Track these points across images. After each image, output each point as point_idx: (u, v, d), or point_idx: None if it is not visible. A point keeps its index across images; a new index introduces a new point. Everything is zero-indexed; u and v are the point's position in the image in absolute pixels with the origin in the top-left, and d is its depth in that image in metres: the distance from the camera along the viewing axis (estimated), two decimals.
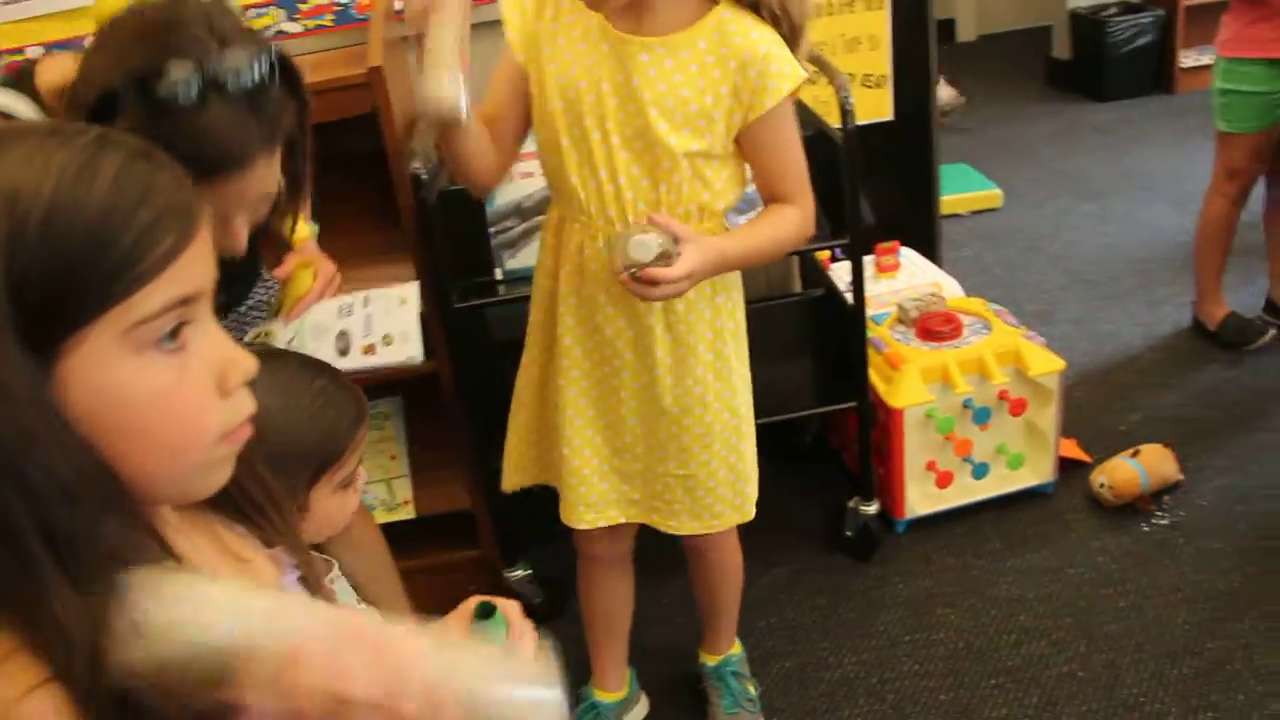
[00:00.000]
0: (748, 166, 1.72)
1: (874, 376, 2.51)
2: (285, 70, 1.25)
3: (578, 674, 2.16)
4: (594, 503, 1.84)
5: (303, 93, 1.30)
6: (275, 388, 1.16)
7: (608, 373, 1.77)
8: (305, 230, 1.54)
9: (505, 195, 2.23)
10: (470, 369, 2.28)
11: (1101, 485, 2.62)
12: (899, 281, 2.89)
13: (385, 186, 2.18)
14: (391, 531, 2.02)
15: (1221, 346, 3.24)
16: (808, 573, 2.56)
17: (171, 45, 1.18)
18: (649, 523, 1.90)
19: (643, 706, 2.25)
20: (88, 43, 1.28)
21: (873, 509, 2.54)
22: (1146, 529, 2.57)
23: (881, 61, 2.92)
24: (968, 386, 2.51)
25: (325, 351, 1.75)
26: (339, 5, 2.53)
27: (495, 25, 1.71)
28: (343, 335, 1.82)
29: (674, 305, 1.70)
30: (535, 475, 1.94)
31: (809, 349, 2.73)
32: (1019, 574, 2.49)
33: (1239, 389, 3.07)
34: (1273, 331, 3.23)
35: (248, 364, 0.76)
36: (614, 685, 2.17)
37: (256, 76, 1.20)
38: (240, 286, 1.79)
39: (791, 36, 1.61)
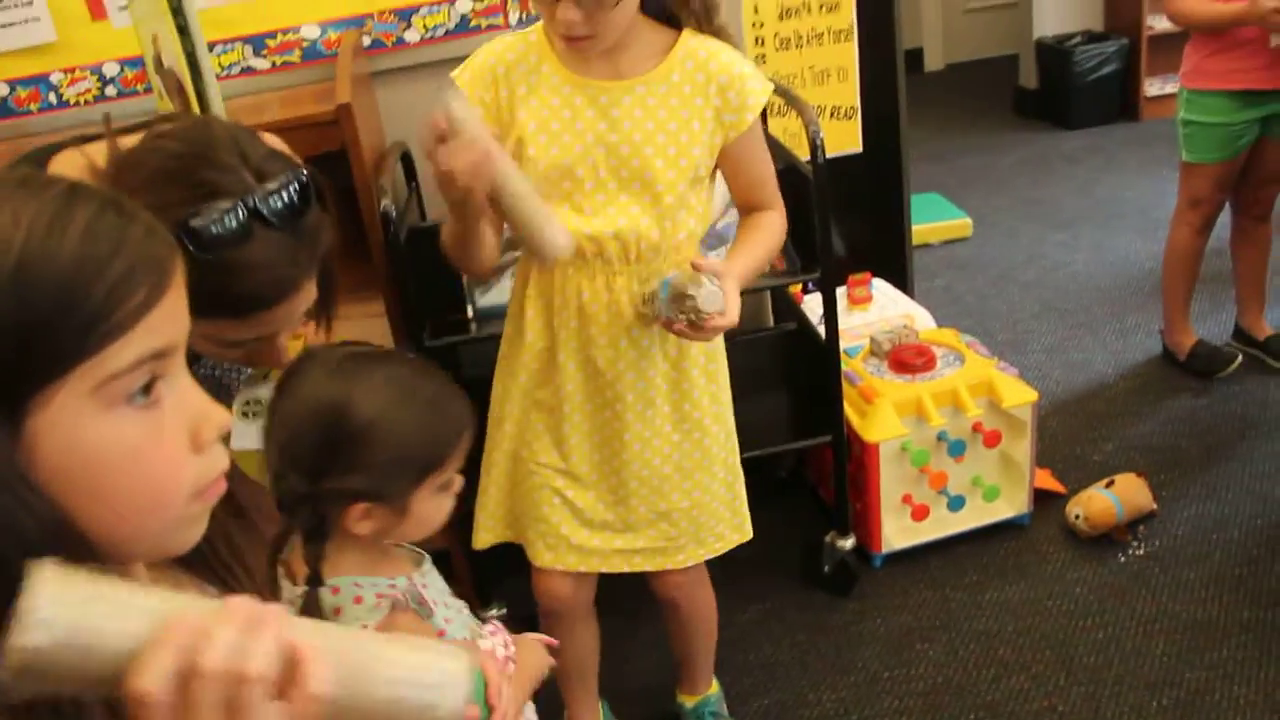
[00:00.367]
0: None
1: (848, 410, 2.50)
2: (317, 188, 1.22)
3: (551, 712, 2.13)
4: (576, 546, 1.85)
5: (331, 207, 1.26)
6: (391, 392, 1.19)
7: (609, 417, 1.78)
8: None
9: None
10: None
11: (1077, 517, 2.62)
12: (871, 313, 2.89)
13: (355, 223, 2.16)
14: None
15: (1192, 375, 3.26)
16: (785, 609, 2.54)
17: (207, 182, 1.13)
18: (653, 568, 1.90)
19: None
20: (96, 158, 1.21)
21: (850, 544, 2.53)
22: (1123, 559, 2.57)
23: (850, 93, 2.94)
24: (942, 419, 2.51)
25: None
26: (306, 41, 2.52)
27: None
28: None
29: (669, 334, 1.72)
30: (504, 534, 1.92)
31: (783, 383, 2.72)
32: (997, 607, 2.48)
33: (1211, 416, 3.08)
34: (1241, 358, 3.25)
35: (221, 419, 0.74)
36: None
37: (297, 202, 1.17)
38: None
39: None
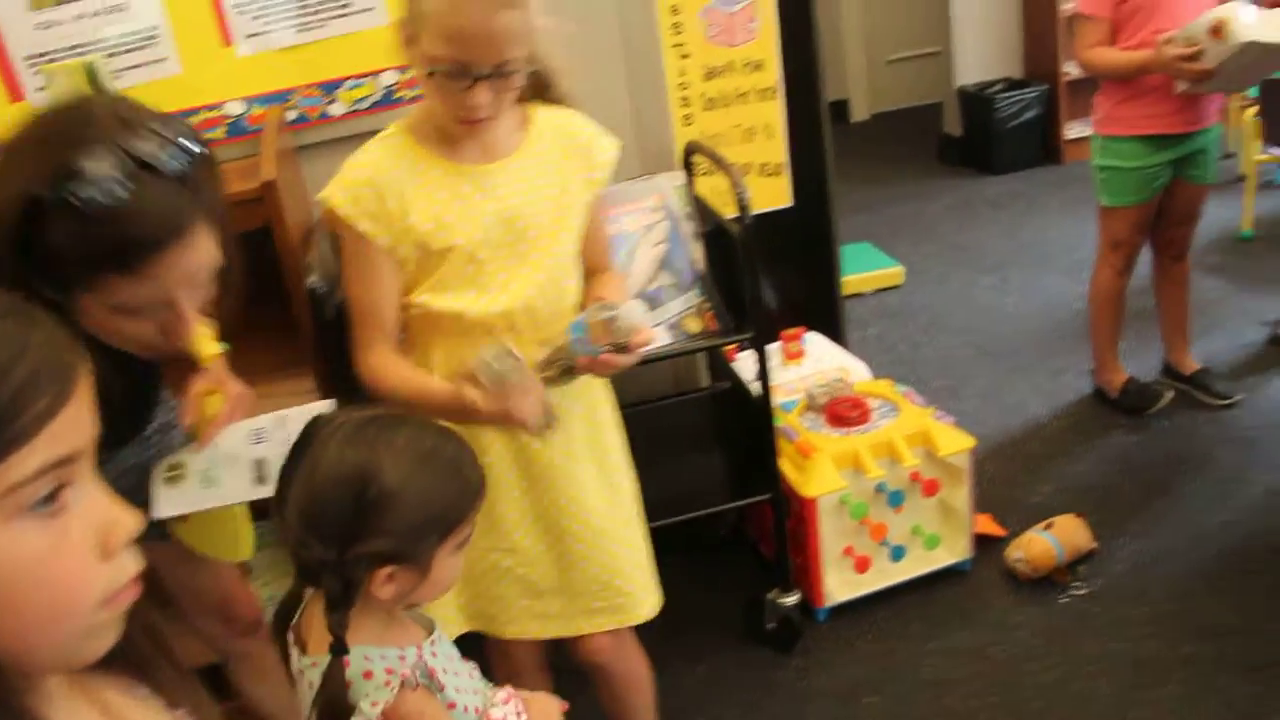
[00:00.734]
0: None
1: (786, 465, 2.50)
2: (198, 140, 1.28)
3: None
4: (539, 614, 1.86)
5: (216, 161, 1.33)
6: (414, 455, 1.22)
7: (543, 488, 1.78)
8: (213, 348, 1.48)
9: None
10: None
11: (1018, 560, 2.64)
12: (805, 367, 2.91)
13: (281, 300, 2.14)
14: None
15: (1124, 412, 3.31)
16: (731, 669, 2.52)
17: (87, 139, 1.19)
18: (569, 634, 1.89)
19: None
20: None
21: (793, 599, 2.52)
22: (1065, 600, 2.59)
23: (778, 149, 2.97)
24: (880, 470, 2.52)
25: (241, 481, 1.67)
26: (230, 118, 2.51)
27: None
28: (259, 464, 1.71)
29: (591, 395, 1.77)
30: (464, 625, 1.87)
31: (719, 442, 2.72)
32: (942, 655, 2.48)
33: (1144, 453, 3.13)
34: (1171, 394, 3.31)
35: (131, 524, 0.72)
36: None
37: (177, 149, 1.23)
38: (141, 411, 1.71)
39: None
